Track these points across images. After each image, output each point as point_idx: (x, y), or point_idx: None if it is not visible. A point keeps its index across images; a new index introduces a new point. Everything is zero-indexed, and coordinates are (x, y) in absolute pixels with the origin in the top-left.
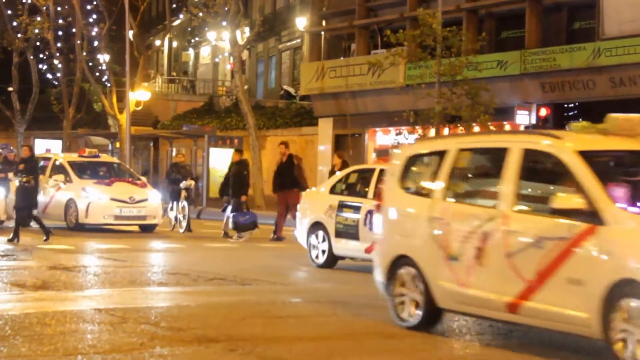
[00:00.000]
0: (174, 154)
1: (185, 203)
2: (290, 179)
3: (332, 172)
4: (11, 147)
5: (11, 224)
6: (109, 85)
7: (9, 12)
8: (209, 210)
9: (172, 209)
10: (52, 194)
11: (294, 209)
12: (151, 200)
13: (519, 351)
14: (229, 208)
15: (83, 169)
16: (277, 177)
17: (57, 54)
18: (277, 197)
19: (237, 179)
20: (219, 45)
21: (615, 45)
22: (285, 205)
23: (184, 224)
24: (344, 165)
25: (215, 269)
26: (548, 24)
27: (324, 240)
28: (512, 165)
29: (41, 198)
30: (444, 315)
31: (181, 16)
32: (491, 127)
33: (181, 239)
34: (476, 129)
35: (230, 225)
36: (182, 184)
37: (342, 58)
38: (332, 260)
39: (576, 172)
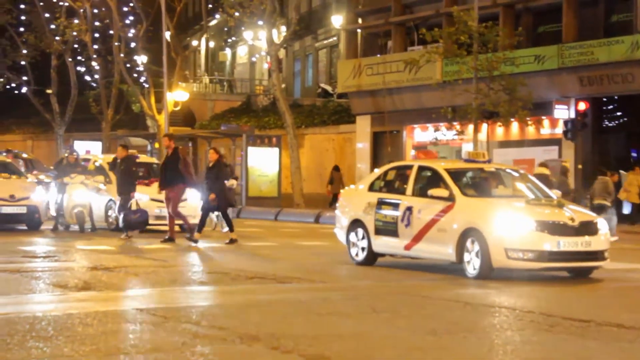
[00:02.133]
0: None
1: None
2: (175, 174)
3: (207, 168)
4: (74, 149)
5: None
6: (146, 86)
7: (47, 15)
8: (248, 209)
9: None
10: (93, 195)
11: (173, 204)
12: (190, 200)
13: (561, 346)
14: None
15: None
16: (162, 172)
17: (95, 56)
18: (164, 194)
19: (125, 175)
20: (256, 44)
21: None
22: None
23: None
24: (219, 160)
25: (254, 267)
26: (585, 17)
27: (363, 238)
28: None
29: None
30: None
31: (217, 16)
32: (529, 122)
33: (221, 238)
34: (514, 124)
35: (121, 223)
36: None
37: (378, 55)
38: (372, 258)
39: None
